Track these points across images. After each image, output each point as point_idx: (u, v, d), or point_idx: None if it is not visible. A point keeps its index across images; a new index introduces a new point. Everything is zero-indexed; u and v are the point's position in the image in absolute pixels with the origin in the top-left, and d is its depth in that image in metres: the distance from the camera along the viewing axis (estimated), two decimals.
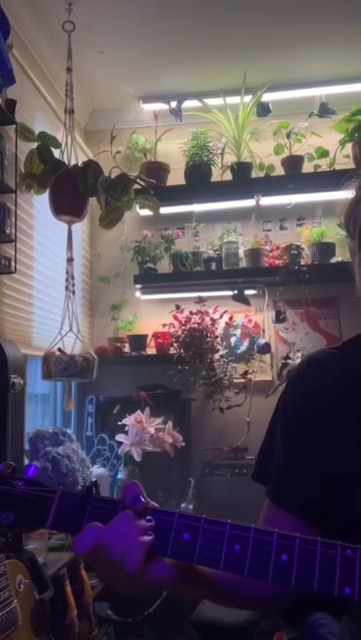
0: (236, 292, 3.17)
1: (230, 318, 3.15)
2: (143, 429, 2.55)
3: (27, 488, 0.67)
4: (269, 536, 0.62)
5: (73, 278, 2.55)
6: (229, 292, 3.18)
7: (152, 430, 2.56)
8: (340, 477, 0.82)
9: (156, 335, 3.18)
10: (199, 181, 3.17)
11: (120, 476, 2.72)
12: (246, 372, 3.06)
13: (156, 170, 3.20)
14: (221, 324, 3.12)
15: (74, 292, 2.54)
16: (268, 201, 3.26)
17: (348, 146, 3.05)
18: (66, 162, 2.45)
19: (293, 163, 3.14)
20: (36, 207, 2.59)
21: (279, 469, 0.88)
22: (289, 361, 2.97)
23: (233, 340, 3.18)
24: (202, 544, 0.63)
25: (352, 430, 0.83)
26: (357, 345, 0.93)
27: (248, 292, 3.19)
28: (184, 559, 0.63)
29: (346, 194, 0.91)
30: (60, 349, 2.42)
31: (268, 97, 3.12)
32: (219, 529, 0.63)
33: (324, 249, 3.04)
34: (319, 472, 0.84)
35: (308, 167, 3.16)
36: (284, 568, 0.61)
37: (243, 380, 3.05)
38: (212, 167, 3.19)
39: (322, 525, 0.83)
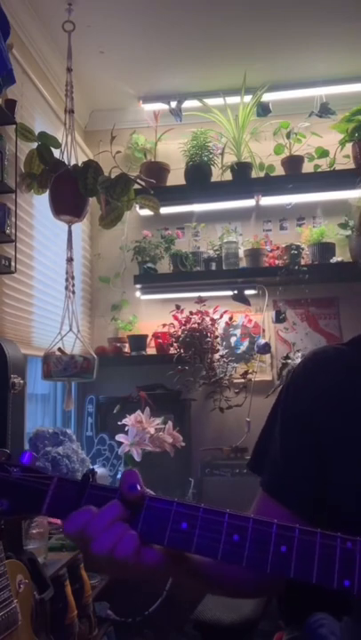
0: (236, 291, 3.17)
1: (230, 318, 3.15)
2: (143, 429, 2.54)
3: (22, 474, 0.65)
4: (268, 527, 0.62)
5: (73, 278, 2.55)
6: (229, 292, 3.18)
7: (152, 430, 2.55)
8: (343, 474, 0.82)
9: (156, 335, 3.18)
10: (199, 181, 3.16)
11: (120, 476, 2.72)
12: (246, 372, 3.06)
13: (156, 170, 3.20)
14: (221, 324, 3.12)
15: (74, 292, 2.54)
16: (268, 201, 3.26)
17: (349, 146, 3.05)
18: (66, 162, 2.45)
19: (293, 163, 3.14)
20: (36, 207, 2.59)
21: (275, 461, 0.88)
22: (289, 361, 2.97)
23: (233, 340, 3.18)
24: (200, 533, 0.62)
25: (356, 426, 0.83)
26: None
27: (248, 292, 3.19)
28: (181, 548, 0.62)
29: (359, 192, 0.93)
30: (60, 349, 2.42)
31: (268, 97, 3.12)
32: (217, 519, 0.62)
33: (325, 249, 3.04)
34: (317, 467, 0.84)
35: (308, 167, 3.16)
36: (283, 559, 0.60)
37: (243, 380, 3.05)
38: (212, 167, 3.18)
39: (315, 520, 0.83)
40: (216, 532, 0.62)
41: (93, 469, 0.67)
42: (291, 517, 0.83)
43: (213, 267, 3.17)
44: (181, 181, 3.21)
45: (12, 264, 2.22)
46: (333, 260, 3.04)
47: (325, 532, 0.61)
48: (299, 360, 2.90)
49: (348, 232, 3.03)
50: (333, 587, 0.59)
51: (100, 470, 2.74)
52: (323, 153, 3.12)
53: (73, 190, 2.38)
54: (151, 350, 3.20)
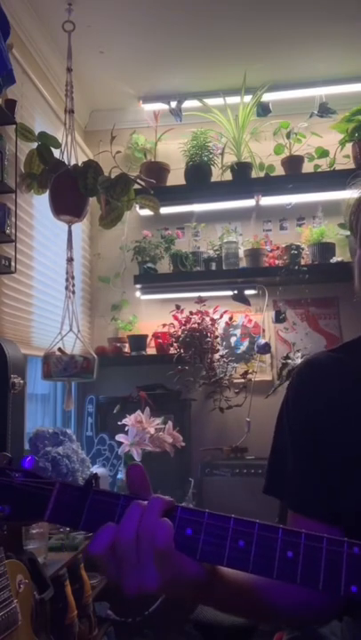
0: (236, 291, 3.17)
1: (230, 318, 3.15)
2: (143, 429, 2.54)
3: (24, 479, 0.64)
4: (274, 532, 0.61)
5: (73, 278, 2.55)
6: (229, 292, 3.18)
7: (152, 430, 2.55)
8: (346, 481, 0.81)
9: (156, 335, 3.18)
10: (199, 181, 3.16)
11: (120, 475, 2.72)
12: (246, 372, 3.06)
13: (156, 170, 3.20)
14: (221, 324, 3.12)
15: (74, 292, 2.54)
16: (268, 201, 3.26)
17: (349, 146, 3.05)
18: (66, 162, 2.45)
19: (293, 163, 3.14)
20: (36, 207, 2.58)
21: (291, 477, 0.87)
22: (289, 361, 2.96)
23: (233, 340, 3.18)
24: (205, 539, 0.61)
25: (354, 433, 0.82)
26: (357, 347, 0.92)
27: (248, 292, 3.19)
28: (187, 555, 0.62)
29: (352, 192, 0.92)
30: (60, 349, 2.42)
31: (268, 97, 3.12)
32: (222, 524, 0.62)
33: (324, 249, 3.04)
34: (327, 475, 0.84)
35: (308, 167, 3.16)
36: (290, 565, 0.60)
37: (243, 380, 3.05)
38: (212, 167, 3.19)
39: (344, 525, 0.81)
40: (221, 538, 0.61)
41: (96, 474, 0.66)
42: (327, 530, 0.78)
43: (213, 267, 3.17)
44: (181, 181, 3.21)
45: (12, 264, 2.22)
46: (333, 260, 3.04)
47: (332, 537, 0.60)
48: (299, 360, 2.92)
49: (348, 232, 3.03)
50: (340, 593, 0.58)
51: (100, 470, 2.74)
52: (323, 153, 3.12)
53: (73, 190, 2.38)
54: (151, 350, 3.20)
